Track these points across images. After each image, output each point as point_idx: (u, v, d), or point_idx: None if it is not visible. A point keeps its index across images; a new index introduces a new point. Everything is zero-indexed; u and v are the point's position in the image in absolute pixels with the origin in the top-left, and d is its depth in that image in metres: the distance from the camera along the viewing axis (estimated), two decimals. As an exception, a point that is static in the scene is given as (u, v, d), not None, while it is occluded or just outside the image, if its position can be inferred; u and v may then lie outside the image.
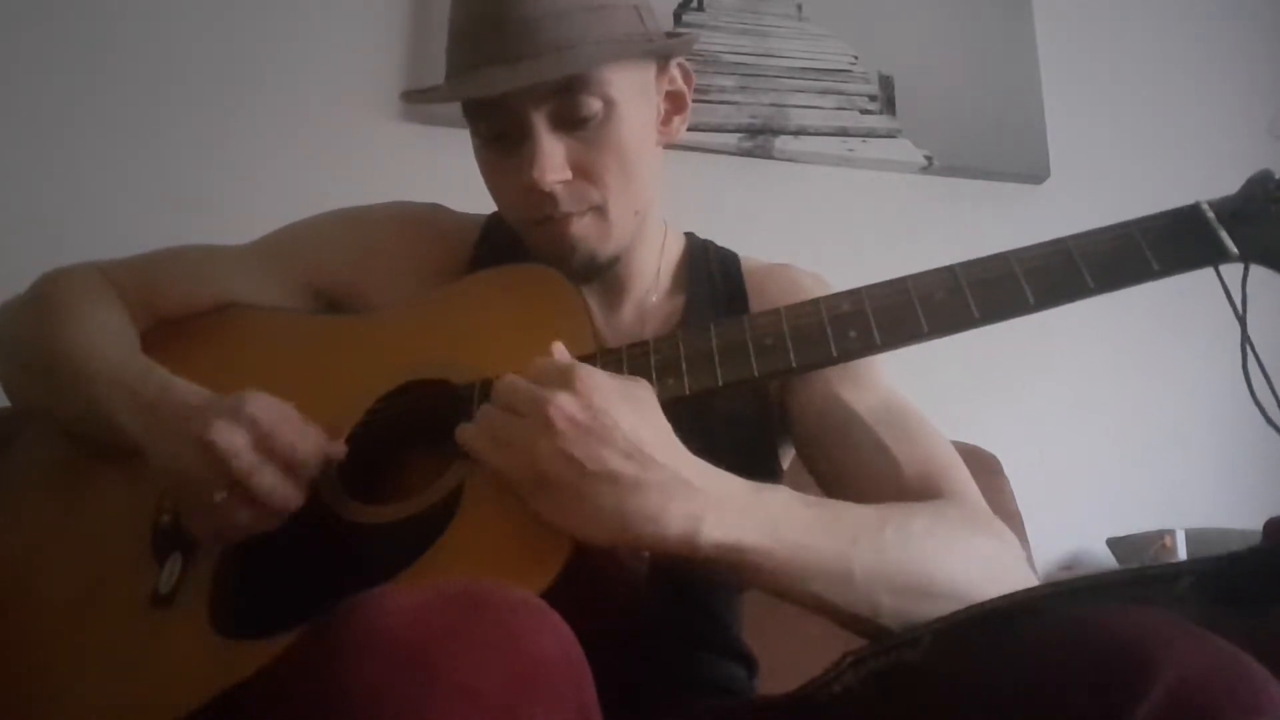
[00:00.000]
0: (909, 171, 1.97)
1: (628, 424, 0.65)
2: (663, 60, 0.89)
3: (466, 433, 0.71)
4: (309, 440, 0.75)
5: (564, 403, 0.65)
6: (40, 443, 0.92)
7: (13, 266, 0.98)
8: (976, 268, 0.73)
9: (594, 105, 0.81)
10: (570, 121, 0.82)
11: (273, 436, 0.73)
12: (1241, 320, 0.70)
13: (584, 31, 0.80)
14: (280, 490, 0.73)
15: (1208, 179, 0.78)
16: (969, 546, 0.71)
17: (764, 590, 0.67)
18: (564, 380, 0.66)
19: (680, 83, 0.92)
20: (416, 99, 0.87)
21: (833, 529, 0.67)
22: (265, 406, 0.74)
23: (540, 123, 0.81)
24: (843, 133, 1.93)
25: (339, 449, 0.77)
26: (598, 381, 0.66)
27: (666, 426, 0.68)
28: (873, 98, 1.96)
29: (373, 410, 0.82)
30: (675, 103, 0.92)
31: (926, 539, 0.69)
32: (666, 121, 0.91)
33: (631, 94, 0.84)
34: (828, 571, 0.65)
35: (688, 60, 0.93)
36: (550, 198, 0.82)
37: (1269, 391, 0.68)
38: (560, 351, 0.72)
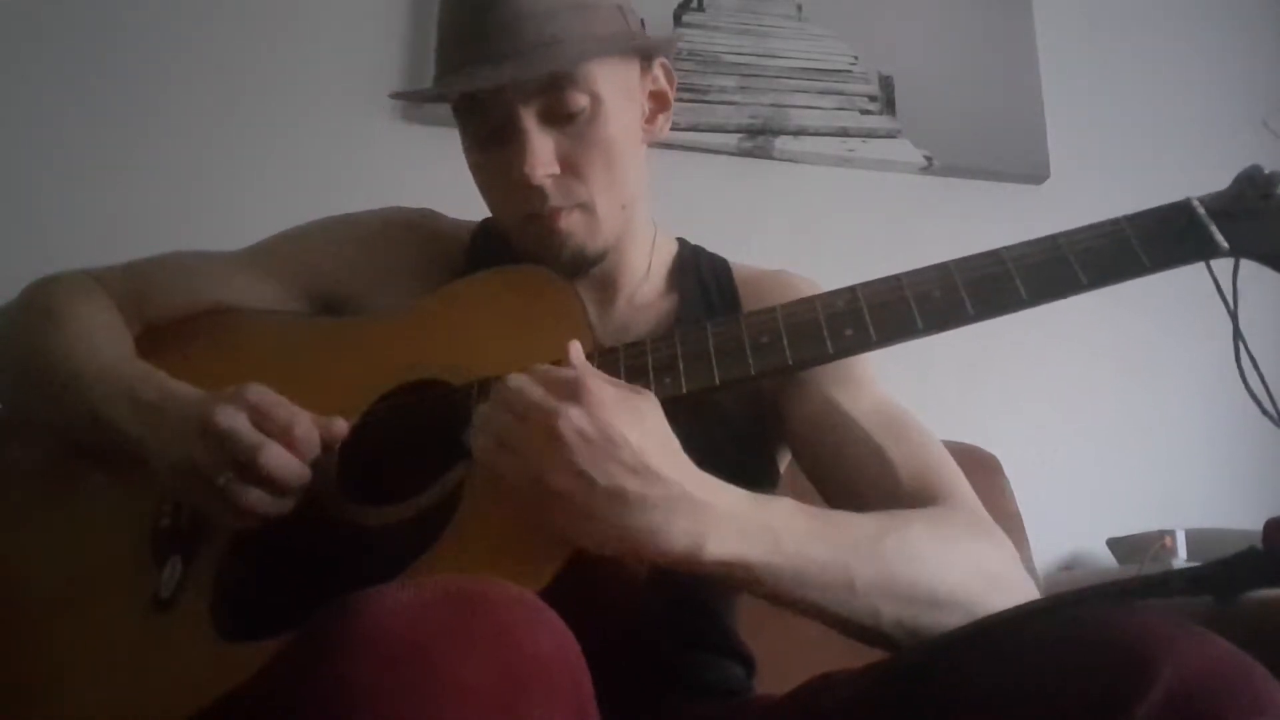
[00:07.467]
0: (909, 172, 1.97)
1: (634, 438, 0.64)
2: (646, 60, 0.91)
3: (472, 434, 0.70)
4: (305, 417, 0.76)
5: (573, 416, 0.64)
6: (28, 447, 0.91)
7: (8, 270, 0.98)
8: (970, 264, 0.74)
9: (581, 101, 0.83)
10: (558, 117, 0.83)
11: (270, 416, 0.74)
12: (1233, 314, 0.71)
13: (569, 29, 0.81)
14: (285, 464, 0.73)
15: (1207, 178, 0.78)
16: (969, 554, 0.71)
17: (765, 599, 0.68)
18: (572, 392, 0.65)
19: (663, 82, 0.93)
20: (405, 98, 0.89)
21: (834, 539, 0.67)
22: (262, 391, 0.76)
23: (529, 118, 0.82)
24: (843, 133, 1.93)
25: (340, 425, 0.78)
26: (605, 395, 0.65)
27: (672, 439, 0.67)
28: (873, 98, 1.96)
29: (369, 411, 0.82)
30: (659, 102, 0.93)
31: (927, 548, 0.69)
32: (651, 120, 0.93)
33: (617, 92, 0.86)
34: (828, 581, 0.66)
35: (670, 60, 0.94)
36: (539, 192, 0.83)
37: (1262, 384, 0.68)
38: (576, 352, 0.71)
